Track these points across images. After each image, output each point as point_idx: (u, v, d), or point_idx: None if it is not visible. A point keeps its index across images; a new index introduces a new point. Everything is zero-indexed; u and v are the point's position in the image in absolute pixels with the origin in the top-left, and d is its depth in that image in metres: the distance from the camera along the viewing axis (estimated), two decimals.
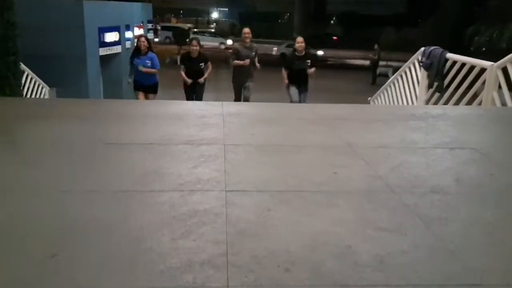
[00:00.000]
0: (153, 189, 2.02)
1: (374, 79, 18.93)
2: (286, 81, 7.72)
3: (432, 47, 6.52)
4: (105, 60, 10.28)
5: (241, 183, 2.10)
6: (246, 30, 7.74)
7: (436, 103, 6.09)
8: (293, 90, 7.70)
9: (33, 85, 7.61)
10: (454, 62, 5.89)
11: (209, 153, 2.52)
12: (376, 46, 19.75)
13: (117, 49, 10.34)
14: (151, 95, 7.72)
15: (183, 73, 7.44)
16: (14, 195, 1.95)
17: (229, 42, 31.98)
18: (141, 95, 7.64)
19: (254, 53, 7.67)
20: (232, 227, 1.68)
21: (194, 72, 7.41)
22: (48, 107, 3.69)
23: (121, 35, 10.64)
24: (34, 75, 7.61)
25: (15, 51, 5.77)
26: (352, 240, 1.63)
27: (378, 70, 19.53)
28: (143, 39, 7.71)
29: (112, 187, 2.05)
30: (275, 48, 29.07)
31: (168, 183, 2.09)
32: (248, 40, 7.67)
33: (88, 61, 9.51)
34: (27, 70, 6.88)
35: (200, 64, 7.41)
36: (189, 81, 7.36)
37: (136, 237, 1.60)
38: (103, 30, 9.93)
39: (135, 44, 7.84)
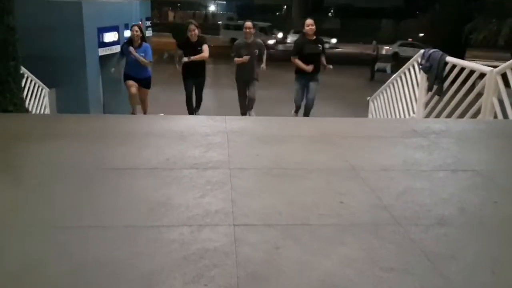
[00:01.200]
0: (162, 224, 2.04)
1: (373, 74, 18.96)
2: (304, 66, 7.16)
3: (432, 50, 6.54)
4: (104, 60, 10.22)
5: (248, 217, 2.13)
6: (248, 24, 7.35)
7: (435, 106, 6.13)
8: (299, 84, 7.33)
9: (33, 86, 7.61)
10: (454, 66, 5.93)
11: (215, 179, 2.54)
12: (374, 42, 19.76)
13: (116, 48, 10.23)
14: (143, 89, 7.42)
15: (179, 57, 7.19)
16: (10, 233, 1.95)
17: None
18: (133, 86, 7.29)
19: (256, 50, 7.32)
20: (242, 270, 1.71)
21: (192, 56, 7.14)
22: (46, 125, 3.67)
23: (120, 35, 10.57)
24: (33, 77, 7.60)
25: (15, 56, 5.77)
26: (360, 282, 1.66)
27: (377, 66, 19.56)
28: (136, 28, 7.25)
29: (118, 221, 2.07)
30: None
31: (177, 216, 2.11)
32: (249, 36, 7.32)
33: (88, 61, 9.44)
34: (26, 72, 6.87)
35: (199, 48, 7.10)
36: (187, 59, 6.98)
37: (148, 283, 1.62)
38: (102, 30, 9.85)
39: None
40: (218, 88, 14.24)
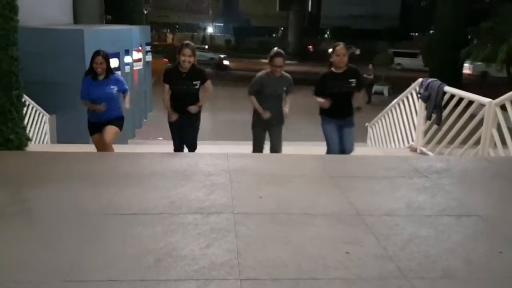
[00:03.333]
0: (169, 278, 2.03)
1: (370, 98, 19.11)
2: (322, 101, 4.97)
3: (430, 79, 6.63)
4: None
5: (255, 269, 2.12)
6: (279, 61, 4.99)
7: (434, 134, 6.19)
8: (330, 129, 5.09)
9: (34, 113, 7.65)
10: (453, 95, 6.00)
11: (219, 226, 2.55)
12: (370, 66, 20.00)
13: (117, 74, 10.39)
14: (109, 127, 5.09)
15: (167, 98, 4.87)
16: None
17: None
18: (97, 139, 5.23)
19: (285, 88, 5.16)
20: None
21: (184, 96, 4.82)
22: (46, 165, 3.67)
23: (121, 61, 10.67)
24: (34, 104, 7.65)
25: (18, 86, 5.85)
26: None
27: (374, 89, 19.77)
28: (100, 59, 5.03)
29: (126, 275, 2.06)
30: None
31: (184, 269, 2.10)
32: (278, 74, 5.07)
33: None
34: (28, 100, 6.93)
35: (194, 83, 4.83)
36: (174, 116, 4.84)
37: None
38: None
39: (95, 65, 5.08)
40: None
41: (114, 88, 5.24)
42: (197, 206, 2.80)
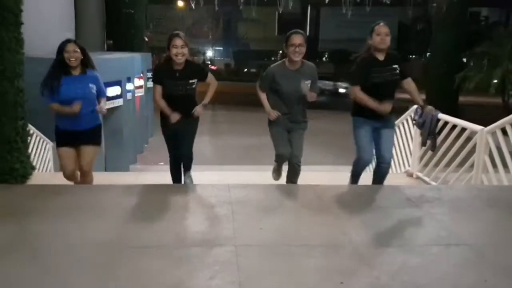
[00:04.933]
0: None
1: None
2: (373, 104, 4.04)
3: None
4: (107, 113, 10.54)
5: None
6: (298, 39, 4.08)
7: (429, 160, 6.36)
8: (365, 134, 4.21)
9: (38, 141, 7.84)
10: (446, 122, 6.21)
11: (222, 258, 2.71)
12: None
13: (119, 102, 10.61)
14: (88, 148, 4.28)
15: (161, 102, 4.21)
16: None
17: None
18: (67, 154, 4.30)
19: (308, 81, 4.18)
20: None
21: (180, 98, 4.16)
22: (52, 197, 3.80)
23: (123, 88, 10.93)
24: (38, 132, 7.84)
25: (24, 116, 6.06)
26: None
27: None
28: (72, 46, 4.12)
29: None
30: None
31: None
32: (297, 58, 4.12)
33: None
34: (32, 129, 7.10)
35: (191, 82, 4.16)
36: (176, 116, 4.14)
37: None
38: (106, 85, 10.12)
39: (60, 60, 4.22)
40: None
41: (93, 88, 4.24)
42: (200, 239, 2.97)
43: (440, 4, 18.03)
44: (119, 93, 10.59)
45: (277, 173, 4.65)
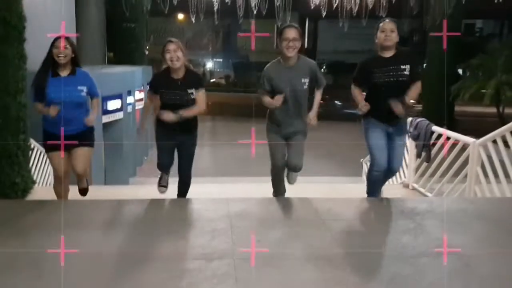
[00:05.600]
0: None
1: None
2: (363, 104, 3.91)
3: (419, 119, 6.98)
4: (107, 126, 10.70)
5: None
6: (291, 33, 3.82)
7: (425, 171, 6.49)
8: (378, 136, 3.98)
9: (38, 155, 7.95)
10: (440, 135, 6.35)
11: (221, 271, 2.82)
12: None
13: (119, 115, 10.79)
14: (80, 150, 4.03)
15: (148, 108, 4.34)
16: None
17: None
18: (58, 156, 4.00)
19: (306, 80, 3.90)
20: None
21: (178, 109, 3.99)
22: (54, 211, 3.88)
23: (123, 102, 11.11)
24: (38, 145, 7.95)
25: (25, 130, 6.19)
26: None
27: None
28: (62, 42, 3.89)
29: None
30: None
31: None
32: (291, 53, 3.83)
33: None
34: (33, 142, 7.22)
35: (190, 92, 4.02)
36: (172, 117, 3.96)
37: None
38: (106, 98, 10.38)
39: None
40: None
41: (83, 90, 3.97)
42: (201, 252, 3.08)
43: (434, 17, 18.29)
44: (119, 106, 10.77)
45: (277, 187, 4.27)
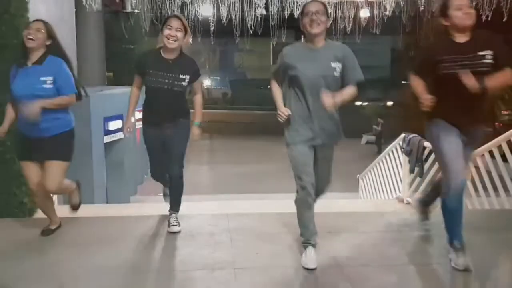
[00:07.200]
0: None
1: (379, 148, 19.88)
2: (426, 97, 2.90)
3: (412, 135, 7.25)
4: (109, 145, 10.96)
5: None
6: (314, 6, 3.05)
7: (419, 185, 6.74)
8: (450, 139, 3.01)
9: None
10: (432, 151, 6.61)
11: (222, 280, 3.07)
12: (379, 119, 21.27)
13: (120, 135, 11.01)
14: (52, 164, 3.45)
15: (134, 98, 3.85)
16: None
17: None
18: (29, 168, 3.51)
19: (338, 64, 3.06)
20: None
21: (166, 95, 3.54)
22: (62, 229, 4.04)
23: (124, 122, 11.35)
24: None
25: None
26: None
27: (366, 139, 20.93)
28: (36, 24, 3.35)
29: None
30: None
31: None
32: (316, 29, 3.04)
33: (93, 149, 10.13)
34: None
35: (182, 77, 3.50)
36: (129, 123, 3.80)
37: None
38: (108, 119, 10.66)
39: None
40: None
41: (46, 81, 3.26)
42: (203, 263, 3.32)
43: (427, 32, 18.74)
44: (120, 126, 10.99)
45: (306, 222, 3.24)
